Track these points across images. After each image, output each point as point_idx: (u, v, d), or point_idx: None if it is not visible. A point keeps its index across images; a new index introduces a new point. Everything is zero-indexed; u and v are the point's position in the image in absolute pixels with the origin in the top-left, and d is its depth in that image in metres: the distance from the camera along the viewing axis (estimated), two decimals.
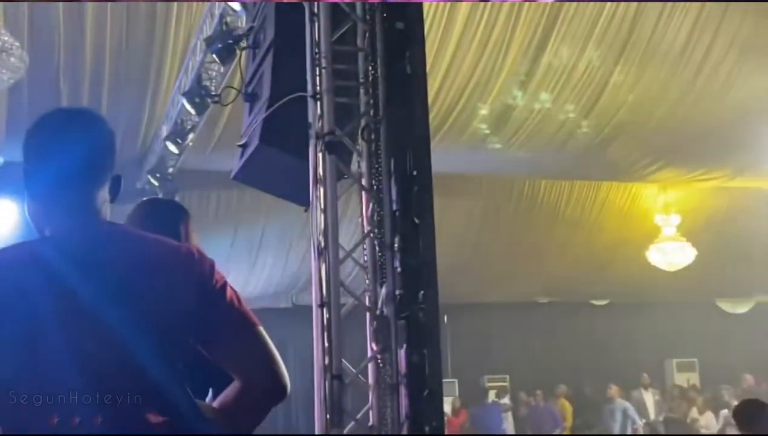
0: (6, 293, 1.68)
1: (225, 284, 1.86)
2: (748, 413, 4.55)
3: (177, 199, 9.47)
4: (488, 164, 11.01)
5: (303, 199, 5.05)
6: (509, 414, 13.16)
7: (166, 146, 8.25)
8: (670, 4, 8.11)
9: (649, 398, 13.26)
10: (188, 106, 7.35)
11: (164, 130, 8.35)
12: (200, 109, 7.39)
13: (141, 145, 9.24)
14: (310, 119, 4.36)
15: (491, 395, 14.14)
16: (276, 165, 4.71)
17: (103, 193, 1.85)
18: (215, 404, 1.88)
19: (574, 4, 8.03)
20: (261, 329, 1.88)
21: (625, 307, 15.46)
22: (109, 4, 7.56)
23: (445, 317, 13.99)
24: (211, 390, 2.18)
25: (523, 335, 15.24)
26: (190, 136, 8.14)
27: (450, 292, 12.21)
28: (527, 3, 7.94)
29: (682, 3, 8.12)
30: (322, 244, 4.28)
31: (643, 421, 12.86)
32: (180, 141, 8.12)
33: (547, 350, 14.99)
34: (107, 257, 1.76)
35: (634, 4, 8.07)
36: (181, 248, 1.87)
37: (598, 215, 12.91)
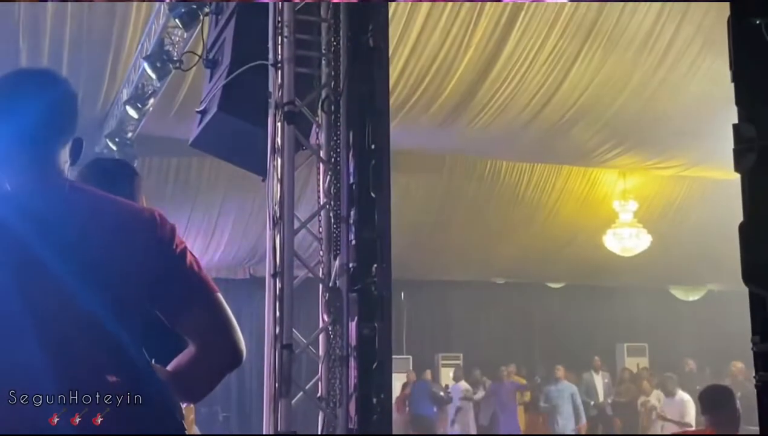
0: None
1: (185, 249, 1.86)
2: (713, 398, 4.60)
3: (136, 165, 9.37)
4: (450, 143, 11.04)
5: (261, 169, 5.03)
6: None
7: (126, 111, 8.14)
8: None
9: (599, 380, 13.49)
10: (149, 71, 7.25)
11: (125, 94, 8.24)
12: (161, 74, 7.30)
13: (101, 108, 9.10)
14: (270, 88, 4.34)
15: (447, 375, 14.28)
16: (234, 133, 4.68)
17: (64, 155, 1.84)
18: (169, 367, 1.88)
19: None
20: (219, 295, 1.88)
21: (580, 290, 15.68)
22: None
23: (402, 294, 14.12)
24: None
25: (479, 315, 15.38)
26: (151, 101, 8.04)
27: (408, 268, 12.38)
28: None
29: None
30: (278, 214, 4.27)
31: (592, 402, 13.08)
32: (140, 106, 8.02)
33: (501, 330, 15.16)
34: (67, 215, 1.74)
35: None
36: (144, 210, 1.87)
37: (557, 199, 13.03)
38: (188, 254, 1.86)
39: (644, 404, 12.04)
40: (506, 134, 10.35)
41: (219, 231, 12.34)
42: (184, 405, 2.02)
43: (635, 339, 15.97)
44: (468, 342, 15.13)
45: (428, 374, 13.50)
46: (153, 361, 1.91)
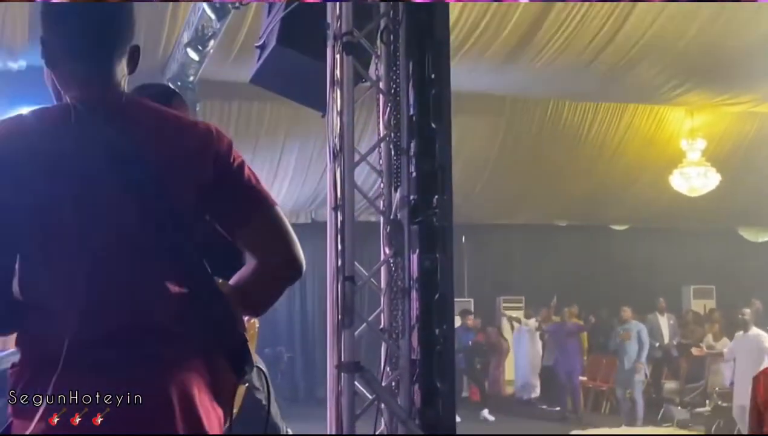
0: (24, 158, 1.67)
1: (243, 163, 1.85)
2: None
3: (198, 109, 9.45)
4: (511, 84, 10.85)
5: (321, 105, 5.01)
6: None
7: (187, 53, 8.18)
8: None
9: (665, 322, 13.31)
10: (209, 12, 7.26)
11: (185, 37, 8.26)
12: (221, 14, 7.30)
13: (162, 53, 9.17)
14: (329, 19, 4.29)
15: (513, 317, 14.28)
16: (294, 67, 4.65)
17: (122, 66, 1.83)
18: (231, 282, 1.88)
19: None
20: (278, 208, 1.86)
21: (645, 232, 15.42)
22: None
23: (463, 238, 14.06)
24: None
25: (541, 258, 15.27)
26: (211, 43, 8.06)
27: (469, 213, 12.32)
28: None
29: None
30: (338, 147, 4.26)
31: (657, 344, 12.94)
32: (201, 48, 8.05)
33: (564, 273, 15.04)
34: (126, 126, 1.74)
35: None
36: (199, 123, 1.85)
37: (622, 138, 12.75)
38: (246, 168, 1.85)
39: (708, 346, 11.84)
40: (569, 73, 10.12)
41: (280, 176, 12.43)
42: (246, 319, 2.02)
43: (702, 281, 15.70)
44: (530, 285, 15.07)
45: (470, 320, 13.47)
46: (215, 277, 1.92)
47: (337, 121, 4.28)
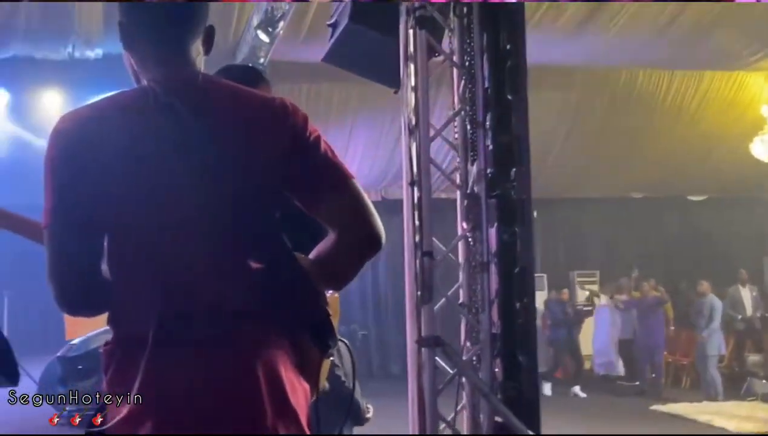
0: (107, 142, 1.69)
1: (319, 136, 1.85)
2: None
3: None
4: (583, 54, 10.63)
5: (393, 81, 5.00)
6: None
7: (257, 35, 8.25)
8: None
9: (747, 294, 12.94)
10: None
11: (255, 20, 8.33)
12: None
13: (233, 36, 9.27)
14: None
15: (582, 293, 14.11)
16: (366, 44, 4.65)
17: (197, 46, 1.85)
18: (311, 255, 1.89)
19: None
20: (356, 181, 1.86)
21: (724, 203, 14.98)
22: None
23: (535, 212, 13.87)
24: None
25: (615, 231, 14.99)
26: (281, 24, 8.11)
27: (541, 186, 12.06)
28: None
29: None
30: (413, 122, 4.25)
31: (740, 317, 12.60)
32: (271, 30, 8.11)
33: (639, 246, 14.75)
34: (203, 105, 1.76)
35: None
36: (275, 99, 1.85)
37: (699, 106, 12.38)
38: (322, 141, 1.84)
39: None
40: (643, 40, 9.86)
41: (350, 154, 12.46)
42: (328, 294, 2.03)
43: None
44: (604, 259, 14.82)
45: (565, 294, 13.31)
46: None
47: (411, 96, 4.27)
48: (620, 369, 13.04)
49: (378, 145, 12.32)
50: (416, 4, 4.18)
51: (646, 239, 14.91)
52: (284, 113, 1.82)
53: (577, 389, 11.87)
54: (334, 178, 1.84)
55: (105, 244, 1.73)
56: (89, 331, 7.37)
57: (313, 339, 1.80)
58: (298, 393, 1.76)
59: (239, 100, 1.83)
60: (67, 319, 7.71)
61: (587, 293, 14.22)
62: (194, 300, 1.69)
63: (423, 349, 4.07)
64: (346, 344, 1.91)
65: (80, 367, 5.42)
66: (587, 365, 13.57)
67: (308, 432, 1.77)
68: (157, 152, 1.70)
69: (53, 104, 10.36)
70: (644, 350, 12.15)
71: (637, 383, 12.31)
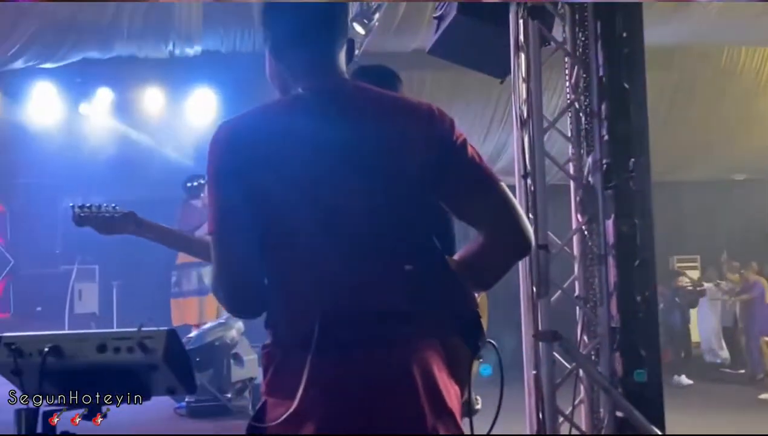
0: (265, 150, 1.73)
1: (465, 140, 1.86)
2: None
3: None
4: (682, 34, 10.30)
5: (499, 71, 4.96)
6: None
7: (353, 28, 8.28)
8: None
9: None
10: None
11: (351, 12, 8.37)
12: None
13: None
14: None
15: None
16: (473, 35, 4.61)
17: (342, 55, 1.89)
18: (457, 257, 1.90)
19: None
20: (503, 184, 1.87)
21: None
22: None
23: None
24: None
25: (716, 215, 14.52)
26: (376, 16, 8.12)
27: None
28: None
29: None
30: (525, 113, 4.19)
31: None
32: (366, 22, 8.13)
33: (741, 229, 14.25)
34: (355, 112, 1.79)
35: None
36: (422, 104, 1.87)
37: None
38: (468, 145, 1.86)
39: None
40: (747, 17, 9.50)
41: None
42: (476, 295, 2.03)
43: None
44: (705, 244, 14.38)
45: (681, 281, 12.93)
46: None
47: (522, 87, 4.21)
48: (724, 356, 12.67)
49: (470, 134, 12.21)
50: None
51: (749, 222, 14.39)
52: (432, 118, 1.84)
53: (682, 378, 11.56)
54: (482, 182, 1.85)
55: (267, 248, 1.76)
56: (194, 320, 7.57)
57: (464, 340, 1.81)
58: (452, 394, 1.78)
59: (389, 106, 1.85)
60: (174, 308, 7.92)
61: (687, 279, 13.83)
62: (353, 302, 1.72)
63: (540, 343, 4.03)
64: (493, 345, 1.91)
65: (198, 359, 5.59)
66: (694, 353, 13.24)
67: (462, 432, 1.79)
68: (314, 158, 1.73)
69: (155, 101, 10.66)
70: (749, 336, 11.76)
71: (743, 371, 11.93)
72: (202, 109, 10.65)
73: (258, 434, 1.75)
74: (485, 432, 1.90)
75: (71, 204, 2.80)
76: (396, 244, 1.76)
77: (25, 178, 11.04)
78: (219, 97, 10.54)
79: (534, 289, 4.07)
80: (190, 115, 10.70)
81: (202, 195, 7.71)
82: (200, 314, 7.55)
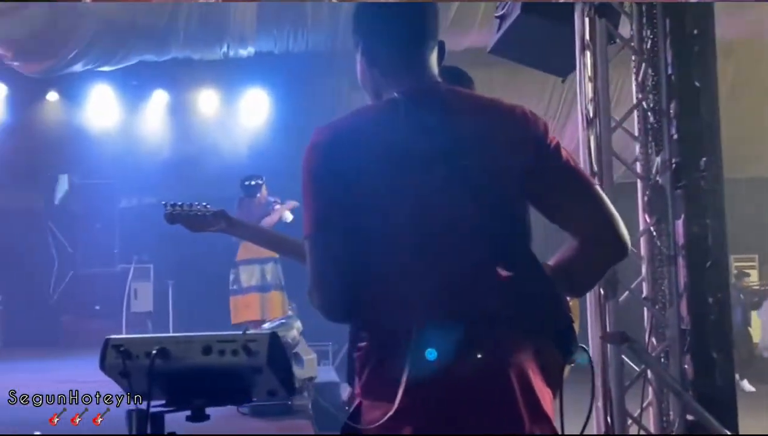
0: (363, 153, 1.74)
1: (558, 144, 1.85)
2: None
3: None
4: (741, 26, 10.12)
5: (562, 70, 4.92)
6: None
7: None
8: None
9: None
10: None
11: None
12: None
13: None
14: None
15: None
16: (537, 34, 4.57)
17: (434, 58, 1.89)
18: (551, 262, 1.88)
19: None
20: (598, 188, 1.86)
21: None
22: None
23: None
24: None
25: None
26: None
27: None
28: None
29: None
30: (591, 113, 4.15)
31: None
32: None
33: None
34: (450, 114, 1.79)
35: None
36: (515, 107, 1.86)
37: None
38: (562, 149, 1.85)
39: None
40: None
41: None
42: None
43: None
44: (762, 242, 14.08)
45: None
46: None
47: (588, 86, 4.17)
48: None
49: None
50: None
51: None
52: (526, 122, 1.84)
53: (744, 383, 11.29)
54: (577, 186, 1.85)
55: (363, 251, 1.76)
56: (256, 316, 7.60)
57: (557, 345, 1.80)
58: (546, 398, 1.77)
59: (483, 108, 1.85)
60: (233, 306, 7.97)
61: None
62: (450, 305, 1.71)
63: (608, 345, 3.98)
64: (585, 349, 1.89)
65: None
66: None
67: None
68: (410, 161, 1.74)
69: (209, 103, 10.79)
70: None
71: None
72: (255, 110, 10.76)
73: (353, 435, 1.76)
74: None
75: (163, 202, 2.85)
76: (492, 247, 1.75)
77: (85, 178, 11.25)
78: (271, 97, 10.64)
79: (602, 290, 4.03)
80: (244, 116, 10.82)
81: (258, 194, 7.77)
82: (262, 310, 7.61)
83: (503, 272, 1.75)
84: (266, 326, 6.65)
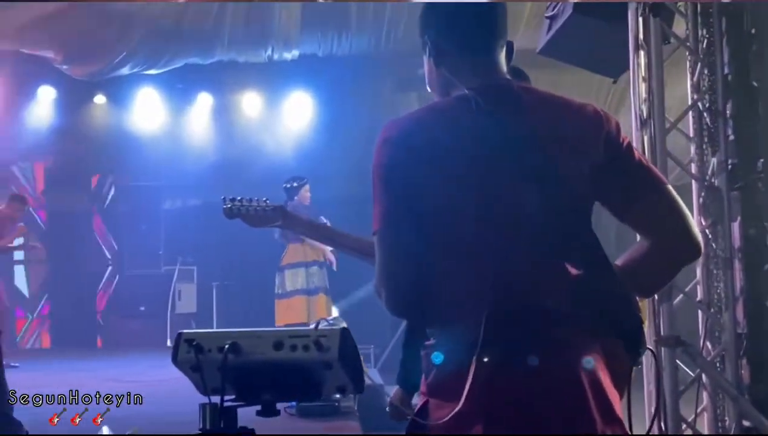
0: (435, 148, 1.73)
1: (630, 143, 1.83)
2: None
3: None
4: None
5: (612, 71, 4.88)
6: None
7: None
8: None
9: None
10: None
11: None
12: None
13: None
14: None
15: None
16: (588, 35, 4.53)
17: (503, 56, 1.87)
18: (619, 261, 1.86)
19: None
20: (671, 187, 1.82)
21: None
22: None
23: None
24: None
25: None
26: None
27: None
28: None
29: None
30: (645, 113, 4.10)
31: None
32: None
33: None
34: (521, 111, 1.77)
35: None
36: (587, 105, 1.84)
37: None
38: (634, 148, 1.83)
39: None
40: None
41: None
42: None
43: None
44: None
45: None
46: None
47: (642, 86, 4.12)
48: None
49: None
50: None
51: None
52: (598, 120, 1.81)
53: None
54: (649, 184, 1.82)
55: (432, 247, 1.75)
56: (302, 319, 7.62)
57: (626, 346, 1.77)
58: (616, 401, 1.74)
59: (554, 106, 1.83)
60: (278, 309, 8.00)
61: None
62: (518, 302, 1.69)
63: (663, 348, 3.93)
64: (653, 352, 1.86)
65: None
66: None
67: None
68: (481, 157, 1.73)
69: (253, 105, 10.87)
70: None
71: None
72: (299, 112, 10.81)
73: (420, 434, 1.75)
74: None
75: (222, 197, 2.86)
76: (561, 244, 1.73)
77: (131, 180, 11.40)
78: (315, 100, 10.69)
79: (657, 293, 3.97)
80: (287, 118, 10.87)
81: (296, 197, 7.80)
82: (309, 313, 7.64)
83: (573, 270, 1.72)
84: (312, 326, 6.66)
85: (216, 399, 1.56)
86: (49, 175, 11.61)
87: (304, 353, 1.55)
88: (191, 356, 1.55)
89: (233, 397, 1.60)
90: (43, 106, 10.58)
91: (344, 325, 5.82)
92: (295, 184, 7.83)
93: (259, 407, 1.61)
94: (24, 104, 10.44)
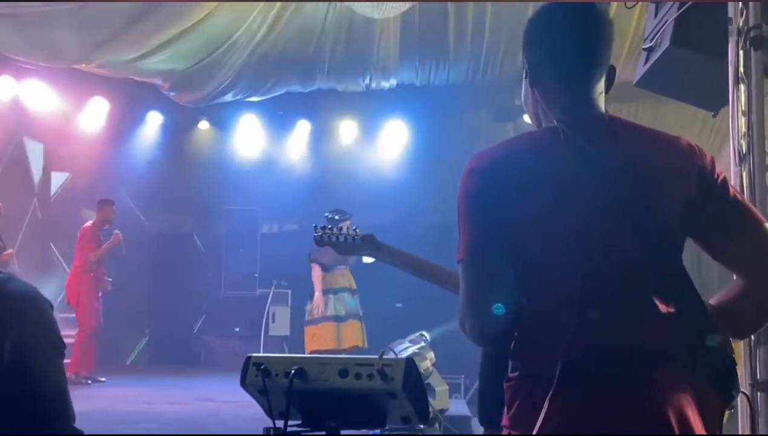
0: (523, 178, 1.71)
1: (725, 179, 1.77)
2: None
3: None
4: None
5: (713, 104, 4.73)
6: None
7: None
8: None
9: None
10: None
11: None
12: None
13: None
14: (730, 14, 4.01)
15: None
16: (686, 67, 4.43)
17: (602, 84, 1.81)
18: (713, 300, 1.79)
19: None
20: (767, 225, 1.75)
21: None
22: None
23: None
24: None
25: None
26: None
27: None
28: None
29: None
30: (744, 148, 3.97)
31: None
32: None
33: None
34: (613, 145, 1.74)
35: None
36: (680, 139, 1.79)
37: None
38: (729, 184, 1.77)
39: None
40: None
41: None
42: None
43: None
44: None
45: None
46: None
47: (742, 120, 3.98)
48: None
49: None
50: (751, 24, 3.89)
51: None
52: (692, 154, 1.76)
53: None
54: (744, 222, 1.76)
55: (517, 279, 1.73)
56: (330, 345, 7.61)
57: (718, 388, 1.71)
58: None
59: (648, 140, 1.78)
60: (307, 334, 7.96)
61: None
62: (604, 339, 1.65)
63: (759, 393, 3.75)
64: (746, 395, 1.79)
65: None
66: None
67: None
68: (570, 190, 1.70)
69: (349, 132, 11.04)
70: None
71: None
72: (395, 140, 10.92)
73: None
74: None
75: (314, 225, 2.91)
76: (652, 282, 1.69)
77: (231, 204, 11.71)
78: (411, 128, 10.77)
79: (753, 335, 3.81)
80: (383, 146, 10.99)
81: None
82: (338, 340, 7.64)
83: (663, 307, 1.68)
84: (398, 350, 6.65)
85: (281, 423, 1.59)
86: (153, 198, 12.05)
87: (369, 381, 1.56)
88: (259, 380, 1.58)
89: (299, 422, 1.62)
90: (151, 129, 11.03)
91: (431, 354, 5.75)
92: (336, 218, 7.49)
93: (323, 434, 1.62)
94: (134, 128, 10.91)
